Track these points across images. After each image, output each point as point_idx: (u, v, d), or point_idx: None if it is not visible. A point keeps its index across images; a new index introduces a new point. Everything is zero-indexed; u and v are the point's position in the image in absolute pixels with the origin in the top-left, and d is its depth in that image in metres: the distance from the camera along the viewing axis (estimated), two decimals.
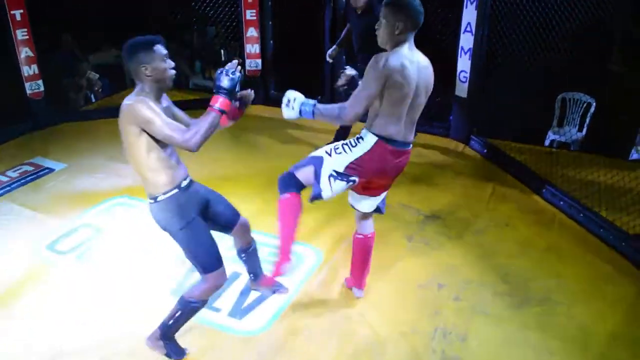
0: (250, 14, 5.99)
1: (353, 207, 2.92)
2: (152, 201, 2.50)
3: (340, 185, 2.61)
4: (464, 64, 4.99)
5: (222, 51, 7.28)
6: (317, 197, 2.65)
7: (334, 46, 4.91)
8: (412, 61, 2.44)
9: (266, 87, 6.32)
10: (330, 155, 2.60)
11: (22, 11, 5.39)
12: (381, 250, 3.58)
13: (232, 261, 3.45)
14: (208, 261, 2.56)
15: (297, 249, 3.58)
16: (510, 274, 3.38)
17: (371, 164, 2.56)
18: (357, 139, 2.58)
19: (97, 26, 7.14)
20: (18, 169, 4.88)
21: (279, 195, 2.73)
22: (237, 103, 2.61)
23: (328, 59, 4.91)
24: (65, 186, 4.61)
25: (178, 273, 3.39)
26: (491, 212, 4.07)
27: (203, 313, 3.03)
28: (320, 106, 2.51)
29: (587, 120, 5.11)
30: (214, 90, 2.35)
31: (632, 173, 4.22)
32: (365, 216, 2.95)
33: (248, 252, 3.01)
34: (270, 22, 6.13)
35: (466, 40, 4.90)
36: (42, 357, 2.77)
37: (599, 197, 4.08)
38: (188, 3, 6.81)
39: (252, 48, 6.15)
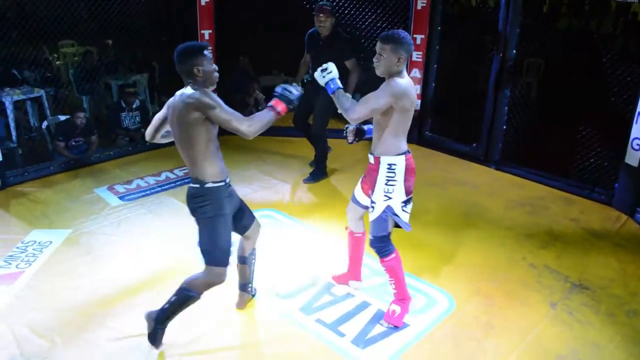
0: (416, 56, 6.07)
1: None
2: (197, 185, 2.71)
3: (410, 205, 3.03)
4: (639, 131, 4.60)
5: None
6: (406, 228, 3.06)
7: (297, 79, 5.23)
8: (411, 85, 2.87)
9: (421, 127, 6.31)
10: (390, 198, 2.95)
11: (210, 31, 6.17)
12: (520, 312, 3.38)
13: (362, 291, 3.50)
14: (219, 256, 2.76)
15: (428, 290, 3.53)
16: None
17: (411, 173, 2.99)
18: (390, 169, 2.92)
19: (271, 53, 7.71)
20: (184, 169, 5.39)
21: (382, 258, 3.08)
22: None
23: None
24: None
25: (310, 291, 3.49)
26: None
27: (328, 334, 3.09)
28: (341, 92, 2.89)
29: None
30: (281, 97, 2.74)
31: None
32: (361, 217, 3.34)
33: (253, 255, 3.23)
34: (435, 66, 6.15)
35: None
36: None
37: None
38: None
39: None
